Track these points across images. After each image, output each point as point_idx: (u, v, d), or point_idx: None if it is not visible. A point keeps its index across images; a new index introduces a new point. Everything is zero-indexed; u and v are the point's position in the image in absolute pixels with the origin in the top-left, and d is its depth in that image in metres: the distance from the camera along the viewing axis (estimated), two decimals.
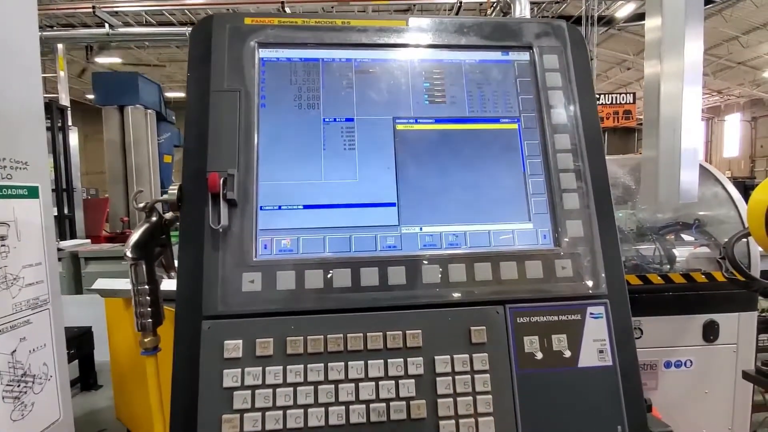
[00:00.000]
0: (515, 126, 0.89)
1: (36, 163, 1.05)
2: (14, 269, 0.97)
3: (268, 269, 0.75)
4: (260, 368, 0.70)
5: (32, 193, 1.03)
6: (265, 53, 0.86)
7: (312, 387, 0.70)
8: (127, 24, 7.49)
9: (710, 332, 1.71)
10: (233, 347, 0.71)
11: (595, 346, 0.77)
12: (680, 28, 1.72)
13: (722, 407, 1.75)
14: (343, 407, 0.70)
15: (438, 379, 0.72)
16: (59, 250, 2.97)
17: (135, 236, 0.82)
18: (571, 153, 0.86)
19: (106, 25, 6.66)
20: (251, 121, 0.81)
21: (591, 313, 0.79)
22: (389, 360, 0.72)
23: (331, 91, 0.86)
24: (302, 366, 0.71)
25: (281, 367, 0.70)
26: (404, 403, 0.71)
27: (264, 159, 0.81)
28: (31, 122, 1.05)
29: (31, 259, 1.02)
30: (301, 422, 0.68)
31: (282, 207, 0.80)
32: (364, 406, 0.70)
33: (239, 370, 0.70)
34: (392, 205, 0.82)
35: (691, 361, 1.72)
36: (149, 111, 6.19)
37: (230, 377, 0.69)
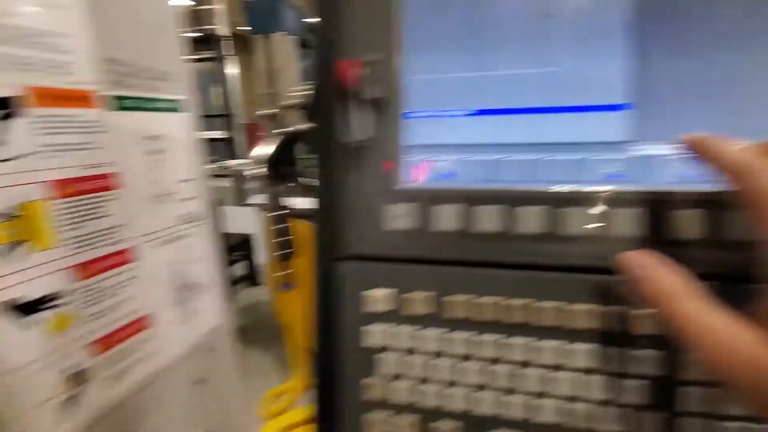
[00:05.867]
0: None
1: (176, 77, 1.00)
2: (171, 183, 0.97)
3: (417, 201, 0.54)
4: (410, 329, 0.53)
5: (177, 107, 1.00)
6: None
7: (479, 365, 0.51)
8: None
9: None
10: (374, 299, 0.55)
11: None
12: None
13: None
14: (523, 398, 0.49)
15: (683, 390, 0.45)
16: (225, 168, 3.43)
17: (267, 150, 0.69)
18: None
19: None
20: None
21: None
22: (596, 345, 0.47)
23: None
24: (475, 335, 0.51)
25: (439, 331, 0.52)
26: (630, 411, 0.46)
27: (411, 39, 0.56)
28: (168, 34, 0.99)
29: (185, 174, 1.02)
30: (463, 405, 0.51)
31: (436, 113, 0.56)
32: (553, 402, 0.49)
33: (382, 327, 0.54)
34: (619, 107, 0.50)
35: None
36: (290, 37, 6.26)
37: (370, 336, 0.54)
